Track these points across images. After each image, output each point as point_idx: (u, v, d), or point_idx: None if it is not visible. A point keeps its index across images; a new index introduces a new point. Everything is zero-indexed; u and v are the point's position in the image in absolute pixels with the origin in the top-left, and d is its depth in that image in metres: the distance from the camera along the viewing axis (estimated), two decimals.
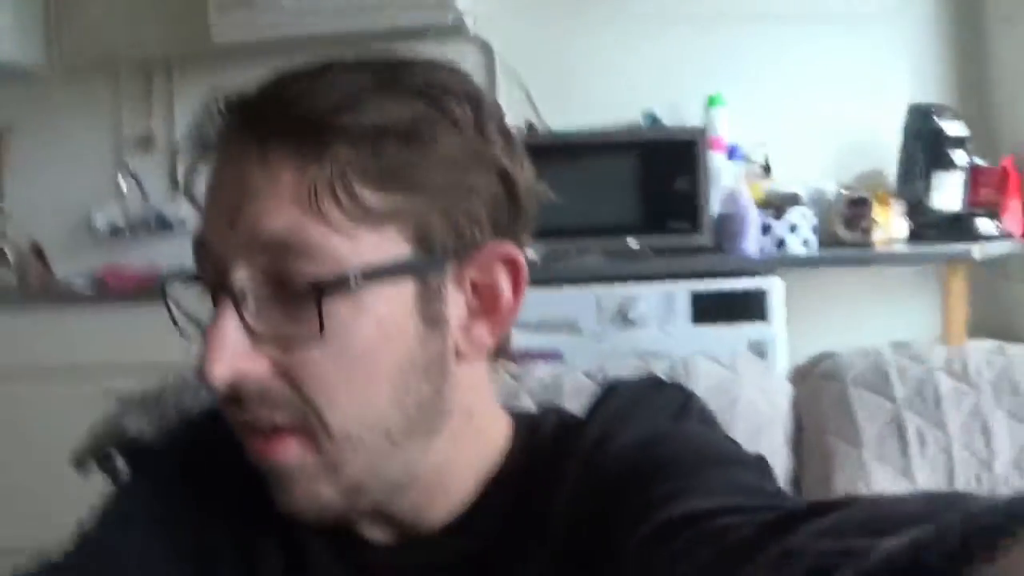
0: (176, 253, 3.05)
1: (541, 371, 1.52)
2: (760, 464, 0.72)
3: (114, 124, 3.64)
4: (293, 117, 0.65)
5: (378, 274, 0.65)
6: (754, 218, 2.79)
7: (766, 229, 2.83)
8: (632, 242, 2.80)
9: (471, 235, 0.69)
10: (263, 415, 0.66)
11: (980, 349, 1.45)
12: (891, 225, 2.84)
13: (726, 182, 2.93)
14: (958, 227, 2.85)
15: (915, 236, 2.88)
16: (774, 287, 2.66)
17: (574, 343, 2.68)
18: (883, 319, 3.00)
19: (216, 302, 0.67)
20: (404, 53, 0.73)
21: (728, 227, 2.80)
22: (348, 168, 0.65)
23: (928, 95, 3.08)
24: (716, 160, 2.94)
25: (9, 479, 2.93)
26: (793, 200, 2.89)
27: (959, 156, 2.89)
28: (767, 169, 3.09)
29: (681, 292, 2.68)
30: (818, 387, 1.46)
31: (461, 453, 0.74)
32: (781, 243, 2.83)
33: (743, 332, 2.63)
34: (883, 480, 1.32)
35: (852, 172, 3.14)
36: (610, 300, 2.70)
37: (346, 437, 0.66)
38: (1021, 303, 2.93)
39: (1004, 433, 1.33)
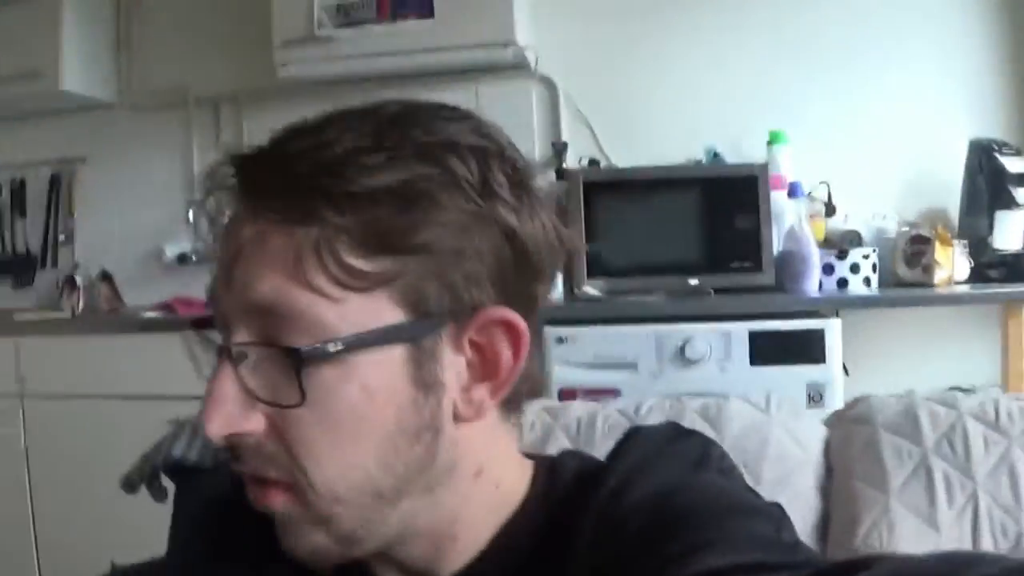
0: None
1: (577, 408, 1.53)
2: (778, 513, 0.70)
3: (184, 156, 3.73)
4: (283, 179, 0.65)
5: (364, 342, 0.65)
6: (816, 257, 2.80)
7: (828, 268, 2.83)
8: (693, 281, 2.82)
9: (470, 298, 0.67)
10: (257, 467, 0.67)
11: (1014, 396, 1.43)
12: (952, 264, 2.82)
13: (788, 220, 2.93)
14: (1019, 267, 2.83)
15: (976, 276, 2.87)
16: (833, 328, 2.63)
17: (632, 381, 2.68)
18: (944, 361, 2.99)
19: (220, 355, 0.68)
20: (415, 101, 0.71)
21: (790, 266, 2.81)
22: (335, 233, 0.64)
23: (990, 130, 3.06)
24: (778, 198, 2.95)
25: (78, 497, 3.01)
26: (855, 239, 2.89)
27: (1021, 194, 2.87)
28: (829, 207, 3.09)
29: (740, 332, 2.67)
30: (849, 431, 1.44)
31: (471, 507, 0.73)
32: (843, 283, 2.83)
33: (801, 373, 2.61)
34: (908, 527, 1.29)
35: (914, 209, 3.13)
36: (670, 339, 2.70)
37: (333, 496, 0.66)
38: None
39: None
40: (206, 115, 3.69)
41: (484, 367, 0.70)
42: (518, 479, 0.76)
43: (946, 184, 3.04)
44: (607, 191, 2.99)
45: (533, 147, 3.42)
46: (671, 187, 2.97)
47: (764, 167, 2.92)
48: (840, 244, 2.89)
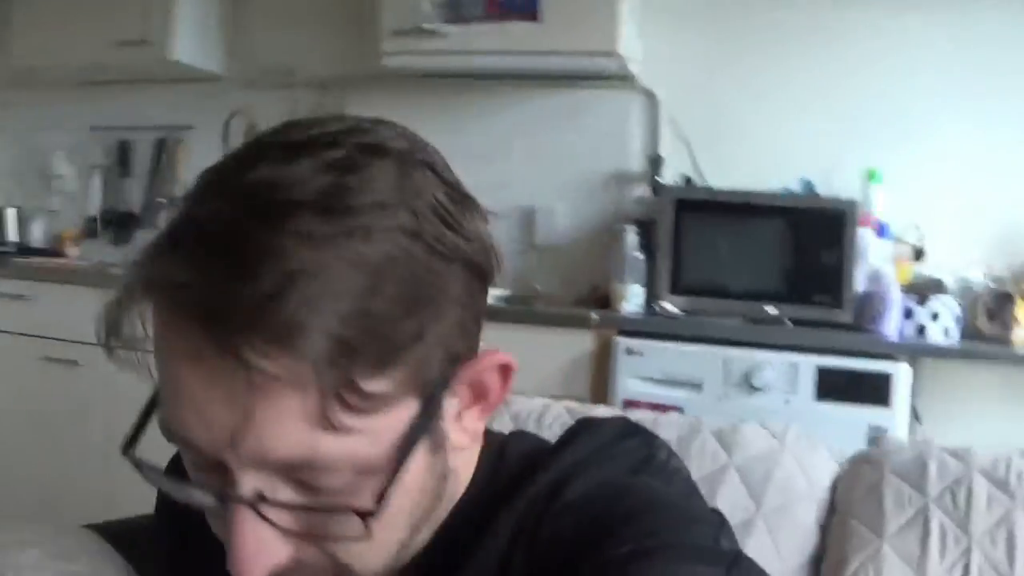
0: None
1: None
2: (717, 520, 0.70)
3: None
4: (261, 318, 0.55)
5: (402, 464, 0.61)
6: (896, 300, 2.77)
7: (908, 313, 2.79)
8: (771, 309, 2.80)
9: (466, 350, 0.65)
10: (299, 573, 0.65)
11: None
12: None
13: (873, 260, 2.89)
14: None
15: None
16: (902, 373, 2.61)
17: (696, 400, 2.70)
18: (1018, 421, 2.91)
19: (222, 500, 0.61)
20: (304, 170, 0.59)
21: (869, 306, 2.78)
22: (343, 363, 0.56)
23: None
24: (865, 235, 2.91)
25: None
26: (938, 287, 2.85)
27: None
28: (919, 252, 3.04)
29: (808, 365, 2.66)
30: (858, 471, 1.44)
31: (441, 502, 0.72)
32: (922, 329, 2.79)
33: (864, 415, 2.58)
34: (896, 573, 1.29)
35: (1004, 262, 3.04)
36: (738, 363, 2.70)
37: (373, 572, 0.67)
38: None
39: None
40: (311, 96, 3.75)
41: (475, 399, 0.69)
42: (468, 462, 0.75)
43: None
44: (698, 210, 3.01)
45: (628, 159, 3.43)
46: (761, 213, 2.97)
47: (854, 204, 2.90)
48: (923, 290, 2.84)
